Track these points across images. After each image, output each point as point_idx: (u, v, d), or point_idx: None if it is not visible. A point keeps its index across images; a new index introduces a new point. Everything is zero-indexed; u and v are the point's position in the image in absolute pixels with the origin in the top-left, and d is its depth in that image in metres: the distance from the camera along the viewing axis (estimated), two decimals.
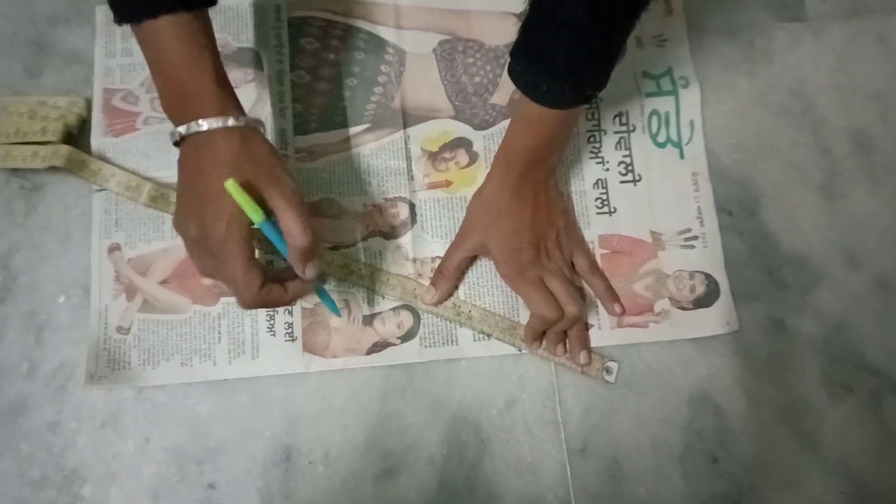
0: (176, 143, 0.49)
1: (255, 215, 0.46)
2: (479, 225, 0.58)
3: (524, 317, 0.59)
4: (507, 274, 0.57)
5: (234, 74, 0.63)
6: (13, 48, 0.63)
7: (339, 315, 0.58)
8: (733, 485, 0.57)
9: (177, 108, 0.48)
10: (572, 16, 0.45)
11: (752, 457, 0.58)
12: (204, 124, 0.46)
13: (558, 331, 0.57)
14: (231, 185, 0.44)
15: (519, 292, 0.58)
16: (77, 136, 0.61)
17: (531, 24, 0.48)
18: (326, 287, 0.57)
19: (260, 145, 0.48)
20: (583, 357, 0.58)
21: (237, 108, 0.49)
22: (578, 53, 0.47)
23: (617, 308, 0.59)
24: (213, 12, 0.64)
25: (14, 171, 0.60)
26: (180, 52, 0.47)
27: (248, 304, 0.48)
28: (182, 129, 0.47)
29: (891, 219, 0.64)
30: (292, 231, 0.46)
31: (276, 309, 0.59)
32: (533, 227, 0.56)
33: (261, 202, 0.46)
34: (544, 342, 0.58)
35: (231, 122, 0.47)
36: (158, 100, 0.50)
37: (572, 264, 0.60)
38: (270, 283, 0.48)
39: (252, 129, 0.48)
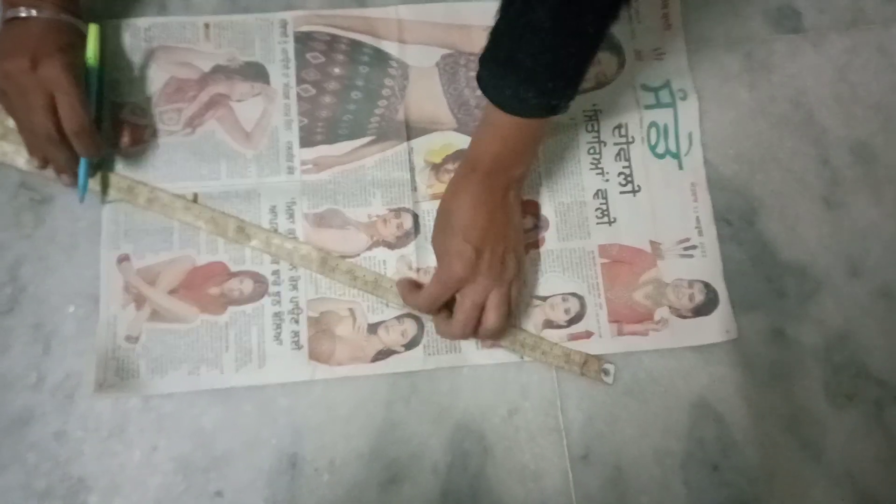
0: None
1: (94, 60, 0.59)
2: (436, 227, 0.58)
3: (525, 323, 0.60)
4: (441, 276, 0.56)
5: (241, 88, 0.64)
6: None
7: (81, 197, 0.59)
8: (736, 494, 0.57)
9: None
10: (537, 20, 0.45)
11: (754, 466, 0.58)
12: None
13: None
14: (94, 28, 0.59)
15: (436, 291, 0.56)
16: None
17: (499, 30, 0.49)
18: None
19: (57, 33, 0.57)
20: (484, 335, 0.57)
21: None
22: (542, 58, 0.47)
23: (480, 344, 0.59)
24: (220, 27, 0.65)
25: (23, 183, 0.61)
26: None
27: (83, 118, 0.55)
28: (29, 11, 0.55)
29: (893, 229, 0.64)
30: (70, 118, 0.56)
31: (284, 317, 0.59)
32: (482, 234, 0.55)
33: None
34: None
35: (34, 12, 0.55)
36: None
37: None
38: None
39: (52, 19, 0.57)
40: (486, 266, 0.55)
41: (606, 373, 0.59)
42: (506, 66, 0.49)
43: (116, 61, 0.64)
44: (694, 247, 0.62)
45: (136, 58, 0.64)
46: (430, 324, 0.60)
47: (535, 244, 0.62)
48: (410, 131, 0.64)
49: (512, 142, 0.54)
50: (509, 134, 0.53)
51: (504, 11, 0.48)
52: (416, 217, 0.62)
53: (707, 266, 0.62)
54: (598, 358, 0.59)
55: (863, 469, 0.59)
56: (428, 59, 0.66)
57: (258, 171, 0.62)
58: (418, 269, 0.61)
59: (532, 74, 0.48)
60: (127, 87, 0.63)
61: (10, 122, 0.59)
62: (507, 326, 0.58)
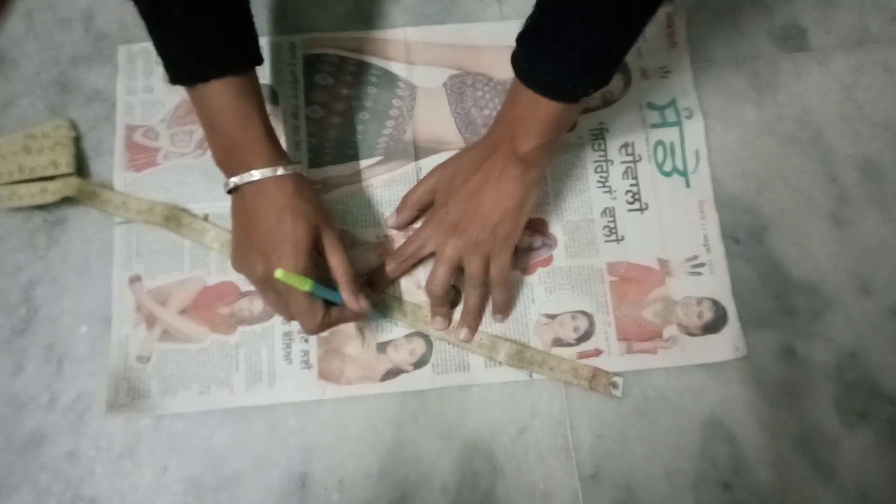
0: (229, 192, 0.53)
1: (305, 285, 0.50)
2: (442, 165, 0.61)
3: (534, 341, 0.60)
4: (433, 216, 0.59)
5: None
6: (37, 88, 0.65)
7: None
8: None
9: (229, 161, 0.52)
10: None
11: (766, 485, 0.57)
12: (256, 174, 0.51)
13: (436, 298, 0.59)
14: (281, 273, 0.49)
15: (423, 233, 0.59)
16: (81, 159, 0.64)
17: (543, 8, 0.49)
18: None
19: (308, 188, 0.54)
20: (463, 334, 0.59)
21: (285, 159, 0.53)
22: (563, 35, 0.48)
23: (498, 318, 0.61)
24: None
25: (36, 205, 0.61)
26: (230, 114, 0.51)
27: (314, 330, 0.53)
28: (235, 179, 0.52)
29: None
30: (339, 267, 0.53)
31: (293, 337, 0.60)
32: (472, 196, 0.57)
33: (315, 240, 0.52)
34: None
35: (280, 170, 0.51)
36: (211, 154, 0.54)
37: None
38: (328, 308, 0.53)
39: (299, 175, 0.53)
40: (453, 221, 0.57)
41: (615, 386, 0.59)
42: (531, 39, 0.50)
43: (130, 85, 0.65)
44: (702, 264, 0.62)
45: (148, 81, 0.65)
46: (438, 343, 0.60)
47: (544, 262, 0.62)
48: (418, 151, 0.65)
49: (521, 109, 0.53)
50: (520, 101, 0.53)
51: None
52: None
53: (716, 284, 0.62)
54: (607, 371, 0.59)
55: (876, 488, 0.58)
56: (435, 80, 0.67)
57: None
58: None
59: (553, 50, 0.49)
60: (140, 111, 0.64)
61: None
62: (511, 296, 0.61)
